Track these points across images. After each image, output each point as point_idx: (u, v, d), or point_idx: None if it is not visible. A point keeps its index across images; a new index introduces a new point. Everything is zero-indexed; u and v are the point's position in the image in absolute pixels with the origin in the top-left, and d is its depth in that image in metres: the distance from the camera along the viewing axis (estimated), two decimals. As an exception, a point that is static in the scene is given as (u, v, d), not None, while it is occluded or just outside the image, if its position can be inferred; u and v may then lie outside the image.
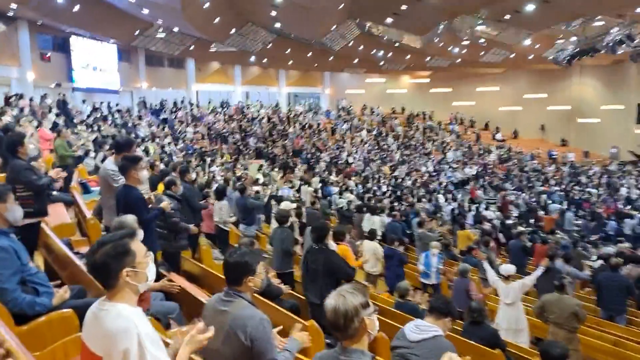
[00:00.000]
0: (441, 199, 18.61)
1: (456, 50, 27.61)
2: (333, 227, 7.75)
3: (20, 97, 16.68)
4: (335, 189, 16.56)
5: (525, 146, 32.64)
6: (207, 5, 16.64)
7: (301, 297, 6.05)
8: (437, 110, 36.08)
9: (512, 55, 28.05)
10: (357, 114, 34.98)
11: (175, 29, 22.02)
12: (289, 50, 27.55)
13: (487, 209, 17.54)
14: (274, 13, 19.25)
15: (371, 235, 10.05)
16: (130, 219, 4.07)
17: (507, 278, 7.86)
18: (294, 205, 9.44)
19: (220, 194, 8.75)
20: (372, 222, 12.22)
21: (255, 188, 11.11)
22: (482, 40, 24.19)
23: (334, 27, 21.56)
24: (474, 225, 14.93)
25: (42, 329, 3.07)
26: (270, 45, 25.59)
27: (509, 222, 14.85)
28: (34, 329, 3.05)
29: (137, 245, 2.09)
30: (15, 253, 3.16)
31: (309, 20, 19.52)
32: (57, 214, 7.13)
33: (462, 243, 12.45)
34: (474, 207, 17.57)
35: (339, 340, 2.25)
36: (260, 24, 22.29)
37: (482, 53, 28.16)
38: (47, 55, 21.00)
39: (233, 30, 21.83)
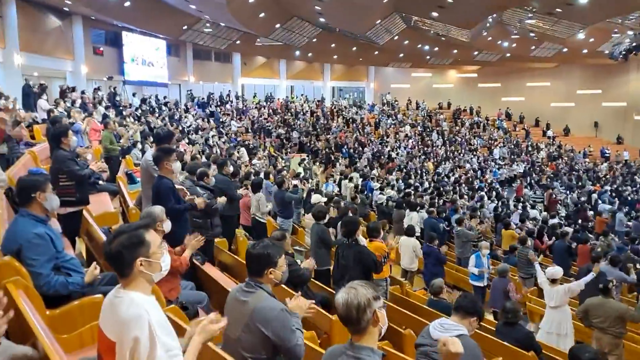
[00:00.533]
0: (484, 196, 18.19)
1: (505, 44, 26.88)
2: (368, 223, 7.76)
3: (72, 89, 17.36)
4: (376, 184, 16.45)
5: (576, 144, 31.45)
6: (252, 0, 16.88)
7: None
8: (484, 106, 35.19)
9: (564, 50, 27.04)
10: (401, 108, 34.62)
11: (222, 24, 22.36)
12: (333, 44, 27.55)
13: (533, 207, 17.03)
14: (318, 7, 19.27)
15: (409, 232, 9.94)
16: (158, 209, 4.20)
17: (553, 281, 7.62)
18: (325, 198, 9.43)
19: (257, 187, 8.85)
20: (410, 218, 12.09)
21: (294, 182, 11.17)
22: (533, 34, 23.45)
23: (379, 21, 21.37)
24: (518, 224, 14.54)
25: (74, 313, 3.21)
26: (315, 39, 25.65)
27: (554, 221, 14.34)
28: (66, 312, 3.19)
29: (152, 236, 2.15)
30: (50, 240, 3.31)
31: (353, 14, 19.45)
32: (102, 203, 7.41)
33: (506, 243, 12.16)
34: (519, 205, 17.09)
35: (352, 335, 2.26)
36: (305, 18, 22.36)
37: (533, 47, 27.30)
38: (100, 49, 21.78)
39: (278, 25, 22.01)
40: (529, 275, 9.99)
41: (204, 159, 10.77)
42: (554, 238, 11.85)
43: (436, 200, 15.68)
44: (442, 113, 34.53)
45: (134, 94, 21.57)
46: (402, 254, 9.90)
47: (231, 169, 8.47)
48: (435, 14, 19.70)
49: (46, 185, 3.42)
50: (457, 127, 32.61)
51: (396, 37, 25.23)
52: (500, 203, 17.20)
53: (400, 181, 18.78)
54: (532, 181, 23.98)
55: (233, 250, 7.62)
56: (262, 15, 19.37)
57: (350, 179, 16.38)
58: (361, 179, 17.83)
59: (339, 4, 18.11)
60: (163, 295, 4.14)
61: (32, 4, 17.71)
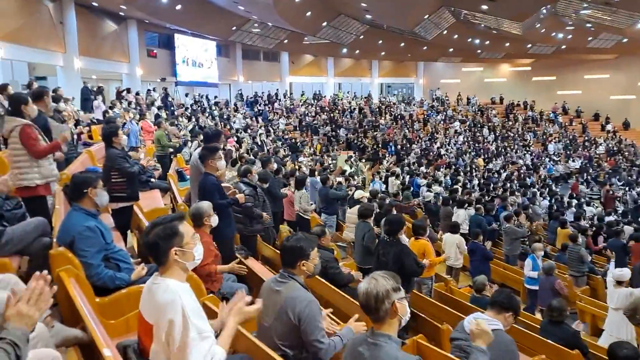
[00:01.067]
0: (536, 193, 17.67)
1: (560, 36, 25.95)
2: (413, 221, 7.74)
3: (128, 91, 18.13)
4: (423, 181, 16.30)
5: (638, 138, 29.97)
6: (298, -1, 17.10)
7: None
8: (539, 100, 34.03)
9: (624, 40, 25.82)
10: (451, 104, 34.02)
11: (269, 24, 22.71)
12: (381, 41, 27.43)
13: (588, 204, 16.42)
14: (364, 4, 19.26)
15: (453, 229, 9.82)
16: (206, 204, 4.40)
17: (619, 282, 7.34)
18: (367, 194, 9.47)
19: (300, 184, 9.00)
20: (457, 215, 11.94)
21: (339, 179, 11.27)
22: (589, 24, 22.53)
23: (427, 16, 21.12)
24: (573, 222, 14.08)
25: (122, 301, 3.42)
26: (362, 36, 25.62)
27: (610, 219, 13.76)
28: (114, 300, 3.41)
29: (185, 228, 2.30)
30: (100, 233, 3.54)
31: (399, 10, 19.32)
32: (153, 199, 7.73)
33: (560, 242, 11.79)
34: (573, 202, 16.51)
35: (373, 323, 2.34)
36: (352, 16, 22.38)
37: (590, 38, 26.22)
38: (154, 52, 22.59)
39: (325, 23, 22.13)
40: (580, 273, 9.71)
41: (251, 157, 11.00)
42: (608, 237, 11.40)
43: (485, 197, 15.39)
44: (494, 108, 33.71)
45: (186, 95, 22.25)
46: (446, 250, 9.82)
47: (275, 166, 8.66)
48: (484, 7, 19.28)
49: (97, 181, 3.65)
50: (510, 123, 31.75)
51: (445, 32, 24.84)
52: (553, 200, 16.65)
53: (448, 178, 18.51)
54: (589, 177, 23.04)
55: (277, 245, 7.79)
56: (308, 14, 19.55)
57: (397, 176, 16.30)
58: (408, 176, 17.75)
59: (385, 0, 18.03)
60: (208, 287, 4.36)
61: (90, 10, 18.57)
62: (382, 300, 2.24)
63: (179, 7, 18.38)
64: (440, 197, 13.75)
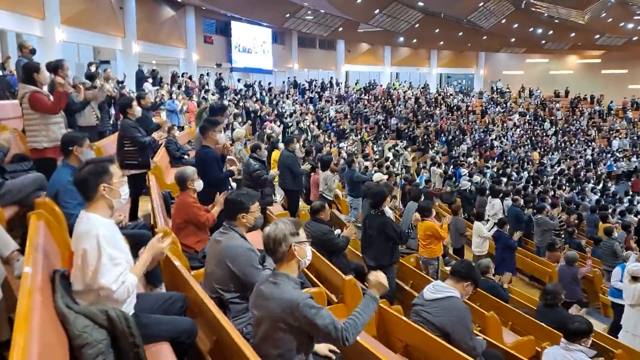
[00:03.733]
0: (586, 188, 16.93)
1: (630, 26, 24.53)
2: (419, 203, 7.75)
3: (183, 75, 18.93)
4: (466, 171, 16.03)
5: None
6: (348, -15, 17.11)
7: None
8: (608, 94, 32.15)
9: (703, 30, 24.12)
10: (512, 96, 32.83)
11: (322, 11, 22.85)
12: (437, 29, 26.92)
13: (642, 202, 15.61)
14: (416, -10, 19.04)
15: (478, 217, 9.79)
16: (190, 170, 4.70)
17: (634, 278, 7.07)
18: (385, 177, 9.50)
19: (325, 165, 9.16)
20: (493, 205, 11.75)
21: (366, 163, 11.37)
22: (662, 12, 21.19)
23: (481, 3, 20.54)
24: (620, 217, 13.48)
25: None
26: (418, 24, 25.26)
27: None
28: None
29: (115, 169, 2.57)
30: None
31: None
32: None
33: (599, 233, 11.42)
34: (626, 199, 15.74)
35: (275, 264, 2.52)
36: (404, 3, 22.13)
37: (664, 28, 24.66)
38: (210, 38, 23.34)
39: (377, 10, 22.03)
40: (613, 268, 9.31)
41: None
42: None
43: (529, 190, 14.97)
44: (558, 101, 32.25)
45: (238, 80, 22.88)
46: (473, 238, 9.78)
47: (297, 146, 8.87)
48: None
49: (83, 140, 4.01)
50: (575, 117, 30.30)
51: (504, 20, 24.07)
52: (604, 196, 15.93)
53: (495, 169, 18.07)
54: (653, 175, 21.77)
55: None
56: (359, 0, 19.52)
57: (439, 165, 16.13)
58: (452, 166, 17.51)
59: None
60: (192, 245, 4.66)
61: (149, -4, 19.49)
62: (279, 242, 2.42)
63: (232, -7, 18.92)
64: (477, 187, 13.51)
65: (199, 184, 4.69)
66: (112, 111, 9.08)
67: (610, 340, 6.30)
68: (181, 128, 11.86)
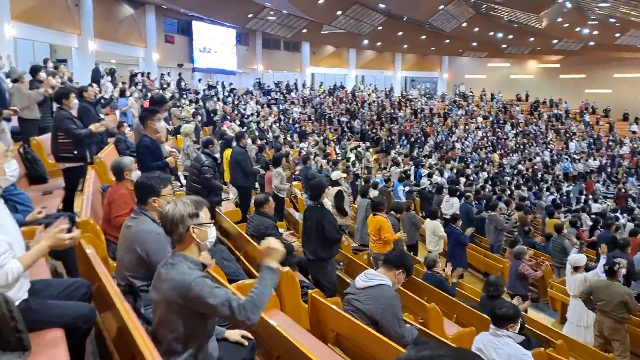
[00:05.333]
0: (543, 188, 17.31)
1: (585, 31, 25.19)
2: (372, 198, 7.74)
3: (142, 74, 18.55)
4: (425, 171, 16.17)
5: (668, 139, 28.85)
6: (308, -15, 17.07)
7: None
8: (566, 98, 33.04)
9: (655, 37, 24.94)
10: (475, 100, 33.40)
11: (284, 11, 22.77)
12: (400, 32, 27.16)
13: (596, 201, 16.00)
14: (376, -8, 19.13)
15: (432, 215, 9.83)
16: (127, 159, 4.52)
17: (575, 268, 7.22)
18: (344, 175, 9.48)
19: (277, 162, 9.06)
20: (452, 204, 11.89)
21: (322, 161, 11.34)
22: (614, 19, 21.79)
23: (442, 6, 20.81)
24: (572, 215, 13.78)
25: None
26: (381, 27, 25.42)
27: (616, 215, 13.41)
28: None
29: None
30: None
31: (412, -1, 19.08)
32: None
33: (547, 231, 11.63)
34: (582, 198, 16.13)
35: (174, 246, 2.40)
36: (367, 5, 22.23)
37: (617, 35, 25.36)
38: (171, 38, 22.99)
39: (339, 12, 22.06)
40: (562, 264, 9.48)
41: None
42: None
43: (487, 190, 15.19)
44: (518, 105, 32.95)
45: (199, 80, 22.58)
46: (426, 235, 9.82)
47: (249, 141, 8.75)
48: (499, -1, 18.92)
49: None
50: (534, 120, 30.99)
51: (464, 24, 24.43)
52: (559, 195, 16.30)
53: (454, 170, 18.31)
54: (606, 176, 22.40)
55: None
56: (321, 1, 19.52)
57: (398, 165, 16.25)
58: (413, 167, 17.65)
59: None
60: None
61: (106, -7, 19.04)
62: (176, 224, 2.32)
63: (192, -9, 18.66)
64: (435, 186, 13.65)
65: (135, 174, 4.52)
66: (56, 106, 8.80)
67: (554, 332, 6.38)
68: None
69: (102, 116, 7.99)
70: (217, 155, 6.88)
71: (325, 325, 3.94)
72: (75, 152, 5.65)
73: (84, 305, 2.54)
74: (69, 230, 2.57)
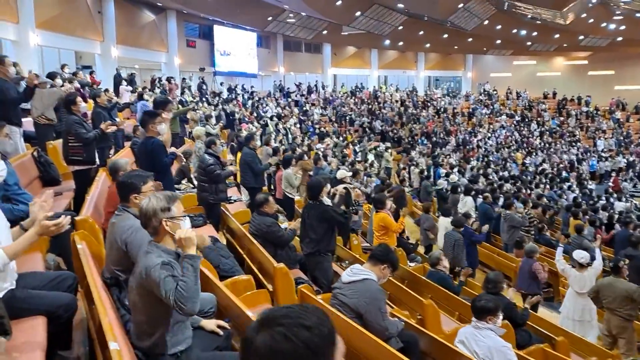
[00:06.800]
0: (564, 187, 17.02)
1: (612, 26, 24.63)
2: (373, 195, 7.81)
3: (163, 79, 18.94)
4: (444, 171, 16.11)
5: (699, 136, 27.98)
6: (327, -13, 17.18)
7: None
8: (595, 95, 32.29)
9: (686, 30, 24.21)
10: (500, 98, 32.95)
11: (303, 14, 22.92)
12: (422, 32, 27.01)
13: (619, 199, 15.68)
14: (394, -8, 19.12)
15: (445, 212, 9.87)
16: (122, 161, 4.72)
17: (582, 266, 7.15)
18: (350, 173, 9.53)
19: (286, 163, 9.19)
20: (465, 202, 11.86)
21: (335, 162, 11.46)
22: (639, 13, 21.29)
23: (460, 5, 20.65)
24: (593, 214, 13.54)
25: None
26: (401, 27, 25.34)
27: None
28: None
29: None
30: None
31: (431, -3, 18.99)
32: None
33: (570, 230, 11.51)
34: (604, 197, 15.82)
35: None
36: (385, 5, 22.21)
37: (646, 28, 24.73)
38: (193, 42, 23.39)
39: (358, 13, 22.10)
40: (580, 265, 9.35)
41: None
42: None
43: (505, 188, 15.03)
44: (544, 103, 32.38)
45: (221, 84, 22.92)
46: (439, 233, 9.86)
47: (258, 143, 8.91)
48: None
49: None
50: (562, 118, 30.41)
51: (486, 22, 24.17)
52: (581, 194, 16.02)
53: (476, 169, 18.15)
54: (634, 174, 21.86)
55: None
56: (339, 3, 19.60)
57: (417, 165, 16.23)
58: (433, 166, 17.58)
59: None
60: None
61: (128, 0, 19.48)
62: (150, 217, 2.49)
63: (211, -4, 18.97)
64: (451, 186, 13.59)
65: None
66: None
67: (559, 330, 6.32)
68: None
69: (117, 120, 8.23)
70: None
71: (312, 319, 4.04)
72: (85, 155, 5.90)
73: (65, 295, 2.71)
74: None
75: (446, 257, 6.84)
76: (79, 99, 6.01)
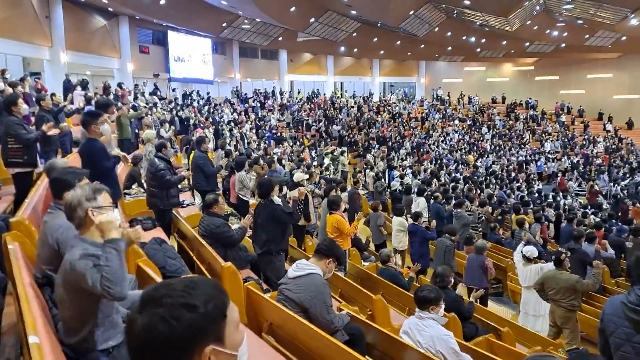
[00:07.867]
0: (514, 187, 17.61)
1: (555, 33, 25.67)
2: (328, 197, 7.87)
3: (117, 85, 18.56)
4: (397, 173, 16.39)
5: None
6: (280, -7, 17.24)
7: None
8: (542, 99, 33.68)
9: (624, 39, 25.44)
10: (452, 103, 33.81)
11: (257, 20, 22.92)
12: (375, 38, 27.42)
13: (564, 198, 16.32)
14: (345, -1, 19.35)
15: (398, 212, 10.02)
16: (61, 162, 4.57)
17: (529, 260, 7.40)
18: (306, 176, 9.59)
19: (239, 166, 9.16)
20: (418, 203, 12.07)
21: (289, 165, 11.48)
22: (581, 21, 22.23)
23: (411, 12, 21.09)
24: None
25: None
26: (355, 33, 25.66)
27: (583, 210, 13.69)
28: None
29: None
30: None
31: (381, 5, 19.30)
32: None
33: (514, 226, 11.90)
34: (550, 195, 16.43)
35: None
36: (338, 12, 22.45)
37: (587, 36, 25.87)
38: (146, 48, 23.01)
39: (312, 19, 22.26)
40: (524, 258, 9.67)
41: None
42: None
43: (458, 189, 15.40)
44: (495, 107, 33.43)
45: (173, 89, 22.62)
46: (393, 232, 10.01)
47: (210, 146, 8.84)
48: (467, 2, 19.20)
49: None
50: (511, 122, 31.45)
51: (437, 29, 24.77)
52: (529, 194, 16.59)
53: (429, 172, 18.54)
54: (579, 174, 22.82)
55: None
56: (292, 9, 19.70)
57: (372, 168, 16.45)
58: (387, 169, 17.84)
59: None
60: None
61: (78, 5, 18.98)
62: (74, 208, 2.45)
63: (162, 1, 18.68)
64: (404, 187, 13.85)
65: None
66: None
67: (506, 322, 6.52)
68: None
69: (64, 124, 8.01)
70: (172, 159, 6.98)
71: (261, 315, 4.05)
72: (25, 157, 5.72)
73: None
74: None
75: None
76: (20, 100, 5.83)
